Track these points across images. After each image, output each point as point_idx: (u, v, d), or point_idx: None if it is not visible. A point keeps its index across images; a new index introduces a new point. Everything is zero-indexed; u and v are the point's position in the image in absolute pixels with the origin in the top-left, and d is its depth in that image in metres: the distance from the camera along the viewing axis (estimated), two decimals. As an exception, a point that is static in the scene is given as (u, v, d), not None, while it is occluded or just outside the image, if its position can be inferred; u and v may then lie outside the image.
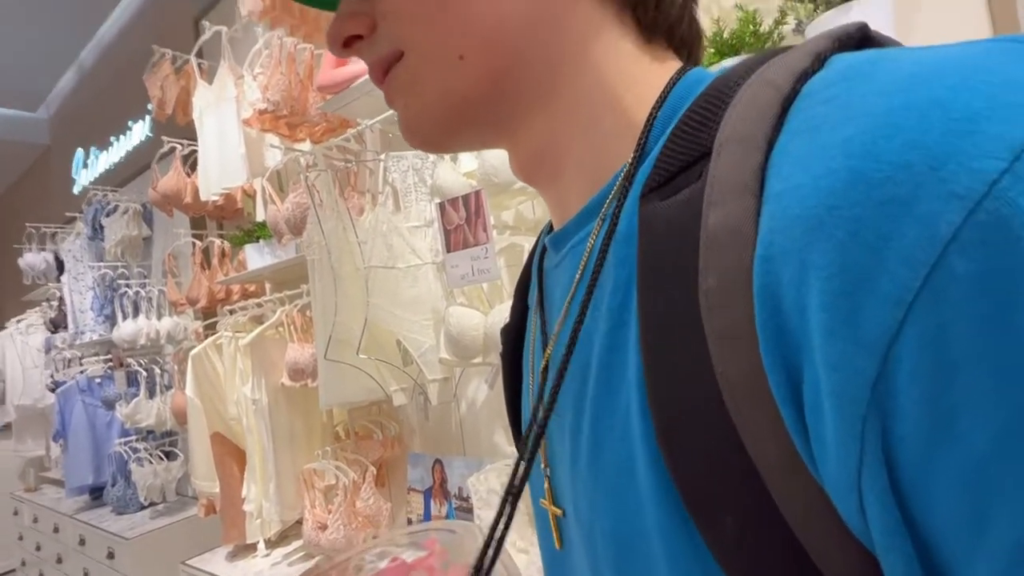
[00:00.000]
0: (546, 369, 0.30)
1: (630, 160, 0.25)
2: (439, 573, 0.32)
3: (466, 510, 1.35)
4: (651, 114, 0.26)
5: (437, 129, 0.29)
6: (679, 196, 0.21)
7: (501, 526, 0.24)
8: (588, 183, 0.28)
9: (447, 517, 1.40)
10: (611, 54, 0.27)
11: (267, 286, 1.99)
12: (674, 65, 0.28)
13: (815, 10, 0.74)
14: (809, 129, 0.17)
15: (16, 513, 3.55)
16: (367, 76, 1.22)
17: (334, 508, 1.41)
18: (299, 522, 1.58)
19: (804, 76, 0.19)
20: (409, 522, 1.49)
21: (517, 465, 0.27)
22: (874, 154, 0.15)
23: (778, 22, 0.82)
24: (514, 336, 0.39)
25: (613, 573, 0.25)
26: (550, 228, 0.36)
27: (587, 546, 0.27)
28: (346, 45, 0.29)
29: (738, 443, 0.18)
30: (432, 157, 1.17)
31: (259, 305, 1.75)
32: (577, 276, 0.28)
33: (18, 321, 3.61)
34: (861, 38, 0.21)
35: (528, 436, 0.28)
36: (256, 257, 1.72)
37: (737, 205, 0.18)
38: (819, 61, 0.19)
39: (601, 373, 0.25)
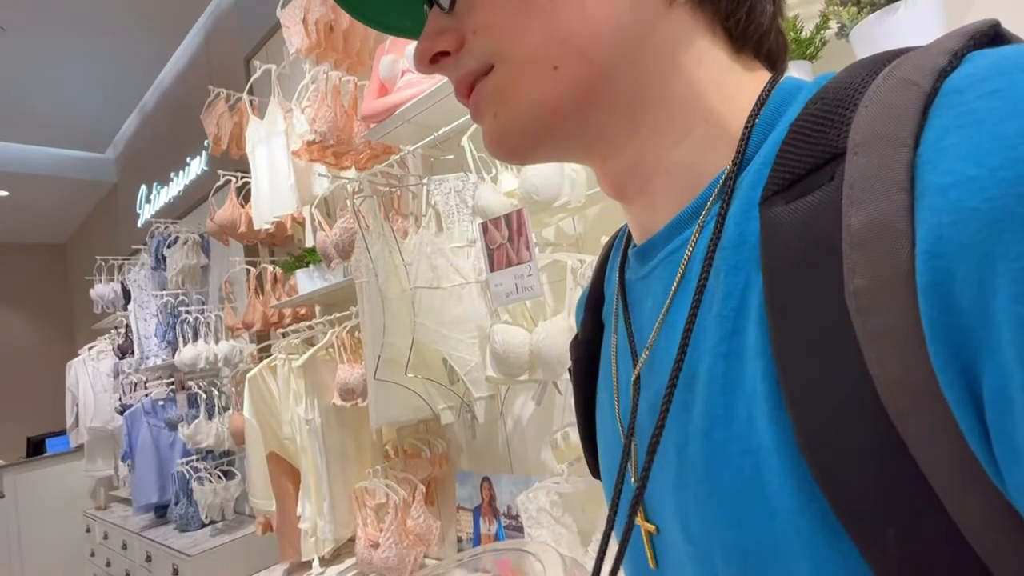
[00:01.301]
0: (638, 381, 0.30)
1: (729, 166, 0.25)
2: None
3: (516, 528, 1.34)
4: (749, 121, 0.26)
5: (525, 140, 0.29)
6: (809, 198, 0.21)
7: (618, 544, 0.24)
8: (679, 194, 0.28)
9: (496, 536, 1.40)
10: (703, 64, 0.27)
11: (317, 309, 2.06)
12: (764, 75, 0.28)
13: (859, 13, 0.72)
14: (970, 124, 0.17)
15: (88, 530, 3.74)
16: (408, 104, 1.27)
17: (385, 526, 1.43)
18: (352, 540, 1.60)
19: (943, 74, 0.18)
20: (459, 540, 1.49)
21: (620, 481, 0.27)
22: None
23: (820, 27, 0.80)
24: (587, 349, 0.39)
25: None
26: (626, 240, 0.36)
27: (700, 563, 0.26)
28: (433, 61, 0.30)
29: (900, 446, 0.17)
30: (472, 179, 1.20)
31: (310, 328, 1.81)
32: (674, 285, 0.27)
33: (89, 348, 3.84)
34: (994, 36, 0.20)
35: (628, 448, 0.29)
36: (306, 281, 1.79)
37: (887, 203, 0.18)
38: (956, 58, 0.19)
39: (714, 383, 0.24)
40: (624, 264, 0.35)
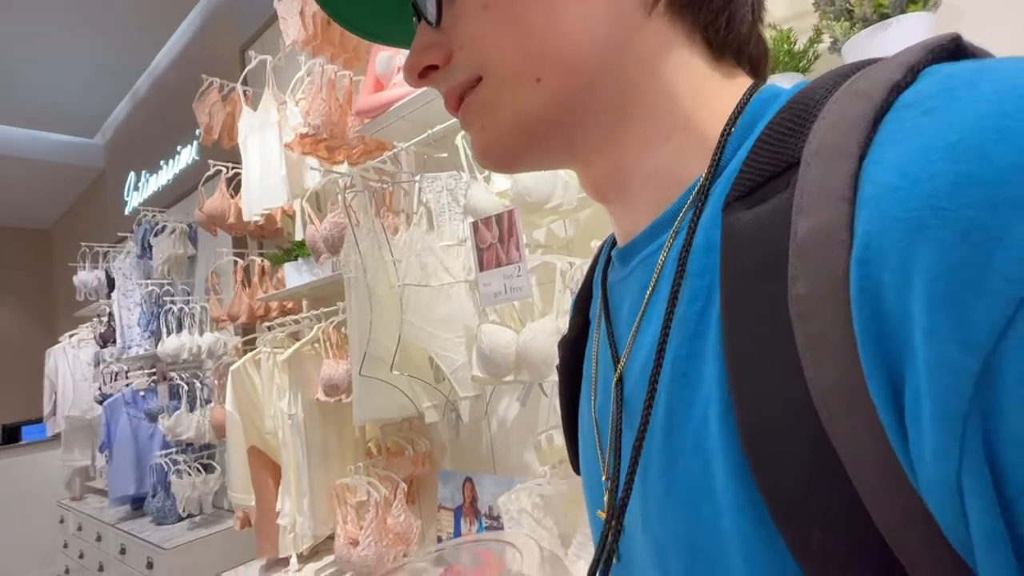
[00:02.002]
0: (620, 381, 0.30)
1: (705, 174, 0.26)
2: None
3: (496, 529, 1.34)
4: (726, 129, 0.26)
5: (512, 149, 0.30)
6: (765, 206, 0.22)
7: (609, 540, 0.26)
8: (657, 198, 0.29)
9: (477, 536, 1.39)
10: (682, 72, 0.28)
11: (304, 303, 2.05)
12: (744, 82, 0.29)
13: (851, 28, 0.73)
14: (907, 138, 0.17)
15: (62, 521, 3.68)
16: (403, 101, 1.27)
17: (365, 524, 1.42)
18: (331, 537, 1.59)
19: (897, 88, 0.19)
20: (439, 540, 1.49)
21: (615, 480, 0.28)
22: (984, 158, 0.15)
23: (813, 40, 0.81)
24: (573, 348, 0.40)
25: (687, 571, 0.25)
26: (613, 242, 0.37)
27: (657, 558, 0.27)
28: (422, 75, 0.30)
29: (830, 450, 0.18)
30: (465, 177, 1.19)
31: (296, 322, 1.80)
32: (649, 289, 0.28)
33: (70, 336, 3.79)
34: (954, 49, 0.20)
35: (611, 449, 0.30)
36: (294, 275, 1.77)
37: (829, 212, 0.18)
38: (913, 73, 0.19)
39: (675, 383, 0.25)
40: (608, 266, 0.36)
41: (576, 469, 0.42)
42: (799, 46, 0.82)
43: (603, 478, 0.32)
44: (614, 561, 0.31)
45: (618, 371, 0.30)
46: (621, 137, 0.29)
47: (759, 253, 0.21)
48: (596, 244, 0.44)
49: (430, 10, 0.29)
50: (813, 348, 0.18)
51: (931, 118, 0.17)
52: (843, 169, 0.18)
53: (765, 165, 0.22)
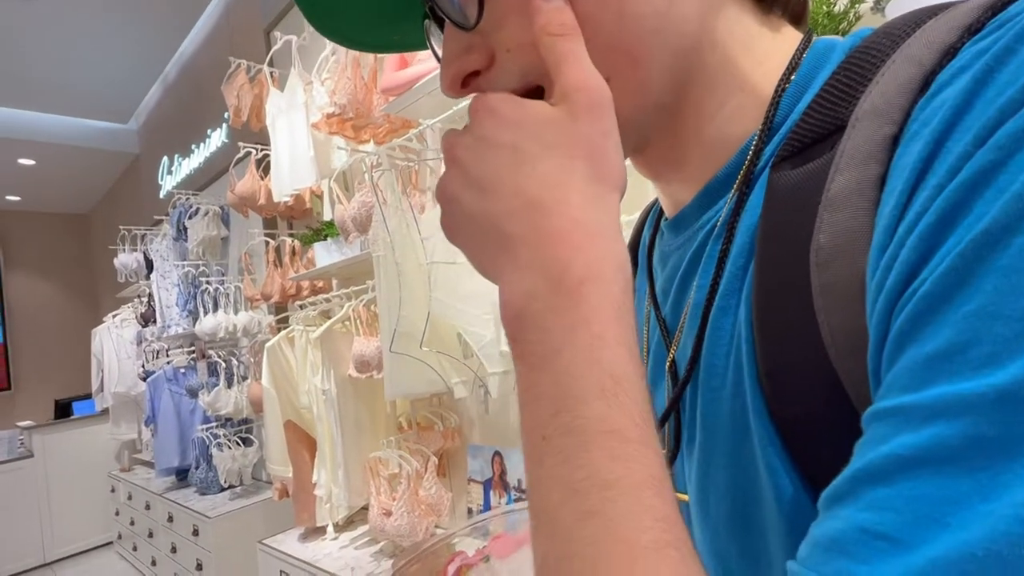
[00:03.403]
0: (673, 364, 0.31)
1: (758, 132, 0.26)
2: None
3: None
4: (779, 87, 0.26)
5: None
6: (810, 165, 0.23)
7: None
8: (712, 164, 0.28)
9: (507, 508, 1.42)
10: (734, 32, 0.27)
11: (334, 282, 2.09)
12: (792, 34, 0.28)
13: (896, -14, 0.70)
14: (947, 108, 0.18)
15: (113, 491, 3.89)
16: (427, 77, 1.26)
17: (398, 496, 1.47)
18: (365, 508, 1.65)
19: (950, 51, 0.19)
20: (469, 512, 1.52)
21: (664, 437, 0.30)
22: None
23: (854, 1, 0.78)
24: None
25: (728, 518, 0.26)
26: (659, 212, 0.36)
27: (699, 507, 0.28)
28: (465, 85, 0.28)
29: (838, 385, 0.20)
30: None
31: (327, 300, 1.84)
32: (703, 252, 0.29)
33: (113, 316, 3.95)
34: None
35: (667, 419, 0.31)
36: (324, 255, 1.80)
37: (861, 172, 0.20)
38: (968, 33, 0.19)
39: (714, 335, 0.26)
40: (655, 236, 0.36)
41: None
42: (839, 7, 0.78)
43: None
44: None
45: (672, 353, 0.31)
46: (682, 112, 0.28)
47: (793, 207, 0.22)
48: (626, 220, 0.43)
49: (469, 12, 0.26)
50: (825, 294, 0.20)
51: (969, 86, 0.17)
52: (883, 133, 0.19)
53: (815, 127, 0.23)
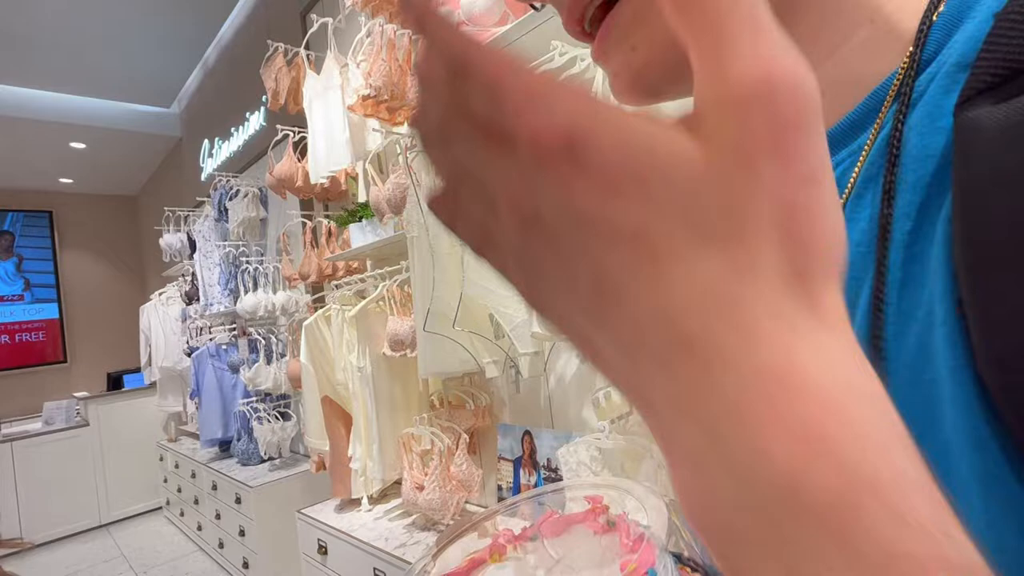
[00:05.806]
0: None
1: (902, 69, 0.22)
2: (601, 527, 0.32)
3: (555, 481, 1.39)
4: (925, 19, 0.22)
5: (666, 74, 0.24)
6: (1020, 100, 0.18)
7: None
8: (829, 107, 0.24)
9: (536, 486, 1.45)
10: None
11: (368, 263, 2.13)
12: None
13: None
14: None
15: (161, 459, 4.11)
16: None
17: (430, 471, 1.51)
18: (398, 482, 1.70)
19: None
20: (499, 488, 1.56)
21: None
22: None
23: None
24: None
25: None
26: None
27: None
28: (592, 22, 0.24)
29: None
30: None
31: (362, 280, 1.88)
32: (843, 202, 0.24)
33: (159, 294, 4.13)
34: None
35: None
36: (359, 236, 1.84)
37: None
38: None
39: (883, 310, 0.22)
40: None
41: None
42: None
43: None
44: None
45: None
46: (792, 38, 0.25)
47: (1017, 152, 0.17)
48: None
49: None
50: None
51: None
52: None
53: (1015, 56, 0.18)
